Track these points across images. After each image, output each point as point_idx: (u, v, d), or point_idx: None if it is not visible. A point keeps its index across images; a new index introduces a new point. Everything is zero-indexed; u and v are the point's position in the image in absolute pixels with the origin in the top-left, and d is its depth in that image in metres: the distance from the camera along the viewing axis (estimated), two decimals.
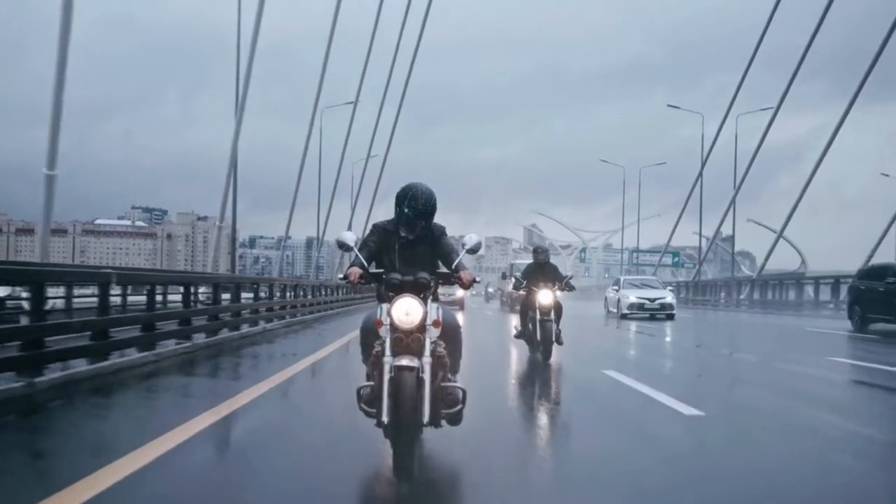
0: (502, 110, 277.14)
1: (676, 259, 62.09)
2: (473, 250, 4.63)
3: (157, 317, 10.82)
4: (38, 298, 7.76)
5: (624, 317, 24.49)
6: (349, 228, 31.59)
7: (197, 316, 12.32)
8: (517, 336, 10.62)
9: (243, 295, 15.58)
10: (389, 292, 4.29)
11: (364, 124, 44.29)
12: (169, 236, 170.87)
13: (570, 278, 10.76)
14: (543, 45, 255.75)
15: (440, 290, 4.59)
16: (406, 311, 4.15)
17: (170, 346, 10.43)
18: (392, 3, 39.79)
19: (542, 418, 6.94)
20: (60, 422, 6.26)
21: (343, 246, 4.62)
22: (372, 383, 4.27)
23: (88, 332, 8.62)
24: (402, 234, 4.64)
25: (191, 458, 4.82)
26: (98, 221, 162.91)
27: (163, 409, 6.99)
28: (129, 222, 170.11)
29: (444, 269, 4.71)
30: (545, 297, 10.08)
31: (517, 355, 11.21)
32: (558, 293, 10.28)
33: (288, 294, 20.33)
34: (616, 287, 27.01)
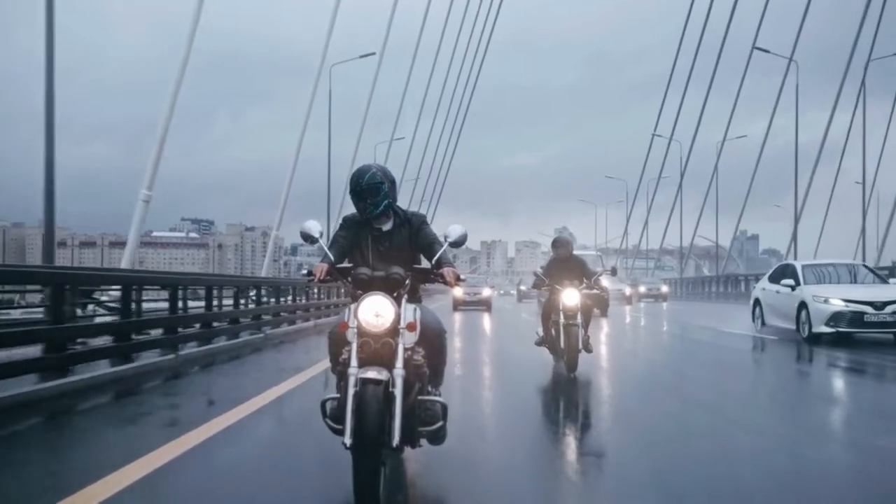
0: (539, 118, 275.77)
1: (658, 263, 58.71)
2: (458, 243, 3.78)
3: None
4: (175, 298, 10.01)
5: (815, 339, 11.75)
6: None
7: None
8: (538, 343, 8.58)
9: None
10: (358, 290, 3.52)
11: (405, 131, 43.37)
12: (220, 246, 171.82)
13: (601, 275, 8.54)
14: (585, 55, 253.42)
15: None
16: (375, 311, 3.37)
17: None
18: (433, 23, 38.78)
19: None
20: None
21: (307, 238, 3.80)
22: (338, 395, 3.46)
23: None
24: (376, 226, 3.87)
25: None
26: (154, 234, 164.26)
27: None
28: (182, 234, 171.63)
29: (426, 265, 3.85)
30: (570, 297, 8.07)
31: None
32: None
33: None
34: (790, 282, 12.84)
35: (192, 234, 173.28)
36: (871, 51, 31.23)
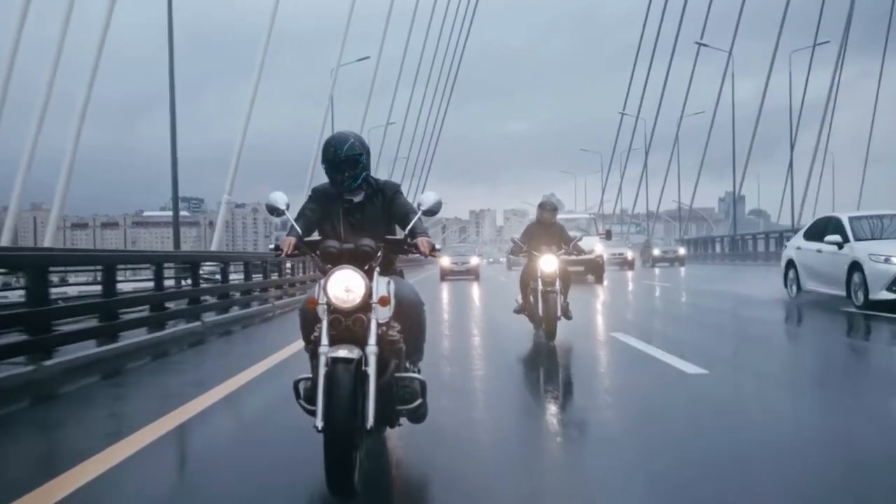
0: (528, 85, 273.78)
1: (639, 227, 58.93)
2: (432, 211, 3.54)
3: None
4: (266, 271, 14.69)
5: (873, 306, 9.79)
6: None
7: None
8: (517, 311, 8.33)
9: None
10: (327, 264, 3.31)
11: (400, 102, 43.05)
12: (211, 224, 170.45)
13: (580, 240, 8.54)
14: (575, 16, 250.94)
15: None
16: (345, 286, 3.15)
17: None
18: None
19: None
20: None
21: (273, 210, 3.54)
22: (311, 376, 3.28)
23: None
24: (347, 197, 3.63)
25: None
26: (146, 214, 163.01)
27: None
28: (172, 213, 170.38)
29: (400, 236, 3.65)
30: (548, 263, 7.81)
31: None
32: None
33: None
34: (836, 238, 10.83)
35: (184, 213, 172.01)
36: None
